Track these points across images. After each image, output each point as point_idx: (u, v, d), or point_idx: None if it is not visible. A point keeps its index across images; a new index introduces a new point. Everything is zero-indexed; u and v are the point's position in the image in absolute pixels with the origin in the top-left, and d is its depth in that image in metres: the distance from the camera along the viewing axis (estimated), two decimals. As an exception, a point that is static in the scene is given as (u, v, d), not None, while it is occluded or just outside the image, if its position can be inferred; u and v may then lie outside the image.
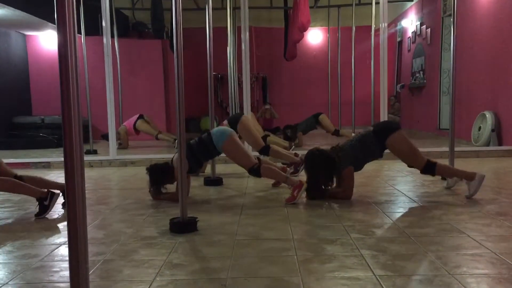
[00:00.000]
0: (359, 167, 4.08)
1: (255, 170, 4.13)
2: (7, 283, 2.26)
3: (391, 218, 3.37)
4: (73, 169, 1.53)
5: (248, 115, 6.36)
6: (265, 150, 5.16)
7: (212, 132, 4.29)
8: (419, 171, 4.04)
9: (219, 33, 7.86)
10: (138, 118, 8.75)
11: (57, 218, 3.64)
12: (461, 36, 7.43)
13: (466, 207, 3.65)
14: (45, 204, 3.61)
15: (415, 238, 2.82)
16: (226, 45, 8.19)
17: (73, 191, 1.53)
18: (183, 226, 3.09)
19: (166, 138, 8.82)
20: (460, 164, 4.88)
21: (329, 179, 4.02)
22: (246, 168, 4.22)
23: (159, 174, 4.11)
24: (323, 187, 4.01)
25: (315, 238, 2.89)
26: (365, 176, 4.99)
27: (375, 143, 3.99)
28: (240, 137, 4.74)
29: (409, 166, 4.13)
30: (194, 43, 9.60)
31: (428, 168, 3.97)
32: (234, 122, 5.24)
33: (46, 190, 3.68)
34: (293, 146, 7.51)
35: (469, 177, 3.96)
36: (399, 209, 3.69)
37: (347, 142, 4.09)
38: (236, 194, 4.46)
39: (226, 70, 8.47)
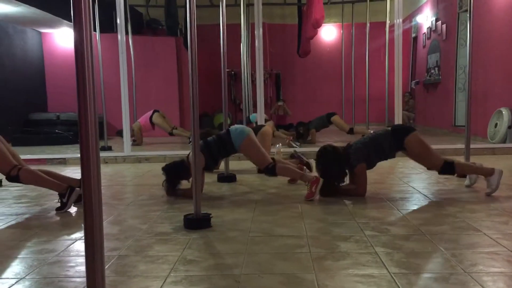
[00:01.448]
0: (370, 165, 4.04)
1: (270, 169, 4.13)
2: (24, 278, 2.29)
3: (406, 215, 3.35)
4: (89, 165, 1.54)
5: (267, 127, 5.83)
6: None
7: (230, 129, 4.29)
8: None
9: (233, 30, 7.88)
10: (153, 112, 8.83)
11: (73, 213, 3.68)
12: (477, 32, 7.32)
13: (482, 204, 3.61)
14: (63, 201, 3.65)
15: (430, 236, 2.80)
16: (240, 42, 8.20)
17: (89, 187, 1.55)
18: (197, 223, 3.10)
19: (182, 133, 8.86)
20: (476, 162, 4.81)
21: (341, 176, 4.01)
22: (261, 166, 4.22)
23: (175, 172, 4.13)
24: (335, 183, 3.99)
25: (329, 235, 2.88)
26: (379, 173, 4.95)
27: (392, 142, 3.95)
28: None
29: (428, 168, 4.10)
30: (208, 40, 9.63)
31: (447, 168, 3.93)
32: (255, 130, 5.36)
33: (66, 185, 3.70)
34: (298, 144, 7.46)
35: (487, 173, 3.92)
36: (414, 206, 3.66)
37: (360, 140, 4.07)
38: (249, 190, 4.47)
39: (240, 67, 8.48)
